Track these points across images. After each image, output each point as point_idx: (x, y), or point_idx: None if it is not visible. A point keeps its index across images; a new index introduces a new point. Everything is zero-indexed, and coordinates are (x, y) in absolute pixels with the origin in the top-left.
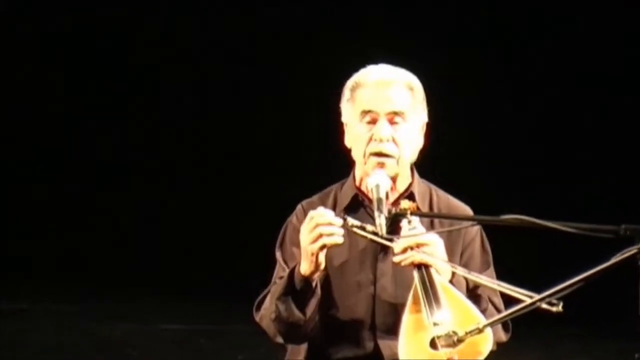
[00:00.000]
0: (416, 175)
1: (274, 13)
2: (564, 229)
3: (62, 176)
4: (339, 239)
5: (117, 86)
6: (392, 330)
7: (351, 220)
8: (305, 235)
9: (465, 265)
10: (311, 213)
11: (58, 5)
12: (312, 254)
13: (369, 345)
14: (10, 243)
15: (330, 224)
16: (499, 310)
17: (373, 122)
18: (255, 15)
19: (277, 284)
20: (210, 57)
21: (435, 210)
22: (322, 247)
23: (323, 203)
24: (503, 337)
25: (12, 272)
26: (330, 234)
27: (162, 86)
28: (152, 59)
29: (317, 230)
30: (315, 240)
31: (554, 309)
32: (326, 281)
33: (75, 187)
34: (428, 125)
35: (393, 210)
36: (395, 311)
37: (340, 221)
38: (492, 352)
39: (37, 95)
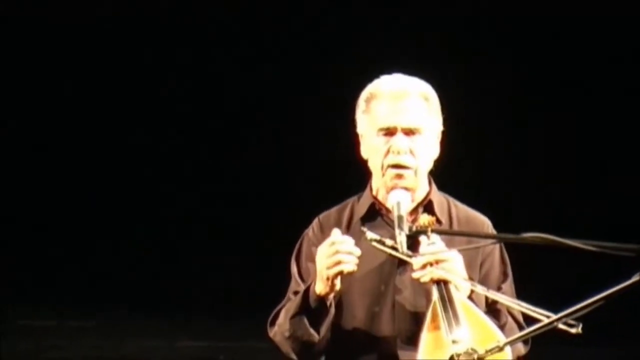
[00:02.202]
0: (434, 185)
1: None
2: (585, 247)
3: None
4: (355, 268)
5: None
6: (413, 340)
7: (370, 235)
8: (324, 258)
9: (485, 276)
10: (332, 238)
11: None
12: (328, 279)
13: (389, 355)
14: (26, 261)
15: (351, 253)
16: (518, 323)
17: (390, 134)
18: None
19: (291, 301)
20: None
21: (455, 220)
22: (339, 273)
23: (340, 215)
24: (522, 350)
25: (32, 290)
26: (349, 262)
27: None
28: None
29: (337, 257)
30: (333, 266)
31: (573, 330)
32: (344, 292)
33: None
34: (443, 133)
35: (414, 228)
36: (416, 320)
37: (359, 251)
38: None
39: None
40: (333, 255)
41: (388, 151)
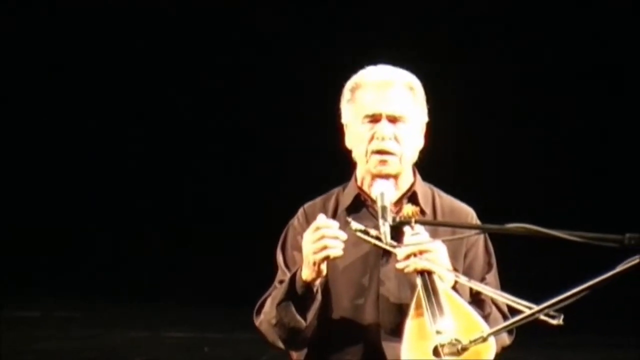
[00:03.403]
0: (418, 175)
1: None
2: (568, 237)
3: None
4: (341, 252)
5: None
6: (397, 331)
7: (355, 225)
8: (309, 244)
9: (469, 266)
10: (317, 223)
11: None
12: (315, 264)
13: (373, 347)
14: (18, 253)
15: (336, 237)
16: (502, 313)
17: (374, 121)
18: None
19: (277, 289)
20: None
21: (439, 211)
22: (326, 258)
23: (325, 205)
24: (507, 341)
25: (23, 281)
26: (335, 247)
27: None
28: None
29: (323, 242)
30: (319, 251)
31: (555, 321)
32: (329, 283)
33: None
34: (428, 124)
35: (397, 219)
36: (400, 311)
37: (345, 235)
38: (496, 356)
39: None
40: (319, 240)
41: (372, 137)
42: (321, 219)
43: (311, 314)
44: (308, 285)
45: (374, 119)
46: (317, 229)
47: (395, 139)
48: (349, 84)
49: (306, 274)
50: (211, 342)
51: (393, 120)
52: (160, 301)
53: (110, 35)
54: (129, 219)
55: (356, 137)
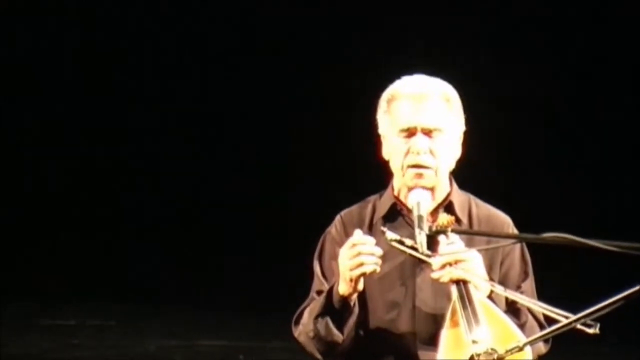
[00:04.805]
0: (454, 184)
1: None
2: (606, 247)
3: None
4: (378, 268)
5: None
6: (433, 341)
7: (390, 235)
8: (346, 260)
9: (505, 274)
10: (353, 240)
11: None
12: (352, 280)
13: (409, 356)
14: (52, 261)
15: (372, 254)
16: (538, 322)
17: (410, 135)
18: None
19: (315, 301)
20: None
21: (475, 220)
22: (362, 274)
23: (361, 213)
24: (543, 349)
25: (55, 290)
26: (372, 263)
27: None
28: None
29: (359, 259)
30: (355, 268)
31: (591, 330)
32: (365, 293)
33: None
34: (466, 133)
35: (433, 228)
36: (436, 321)
37: (381, 251)
38: None
39: None
40: (355, 256)
41: (408, 151)
42: (357, 235)
43: (348, 327)
44: (345, 300)
45: (410, 132)
46: (354, 245)
47: (431, 152)
48: (385, 95)
49: (343, 288)
50: (246, 350)
51: (428, 132)
52: (195, 309)
53: None
54: (164, 226)
55: (392, 149)
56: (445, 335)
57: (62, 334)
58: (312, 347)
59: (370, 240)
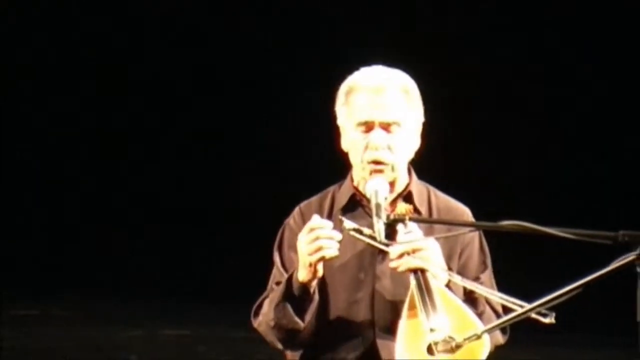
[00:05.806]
0: (414, 175)
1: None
2: (562, 234)
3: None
4: (337, 252)
5: None
6: (391, 330)
7: (348, 224)
8: (305, 245)
9: (464, 265)
10: (311, 224)
11: None
12: (311, 265)
13: (367, 345)
14: (15, 251)
15: (331, 238)
16: (496, 312)
17: (368, 129)
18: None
19: (275, 290)
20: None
21: (434, 210)
22: (321, 258)
23: (321, 204)
24: (501, 339)
25: (21, 280)
26: (331, 247)
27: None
28: None
29: (318, 243)
30: (314, 252)
31: (546, 320)
32: (325, 282)
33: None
34: (424, 124)
35: (391, 216)
36: (395, 310)
37: (339, 235)
38: (490, 355)
39: None
40: (314, 241)
41: (366, 147)
42: (315, 220)
43: (309, 314)
44: (305, 287)
45: (368, 126)
46: (312, 230)
47: (389, 148)
48: (343, 87)
49: (302, 275)
50: (206, 340)
51: (387, 127)
52: (157, 299)
53: None
54: (125, 215)
55: (351, 143)
56: (404, 323)
57: (31, 324)
58: (272, 336)
59: (329, 224)
